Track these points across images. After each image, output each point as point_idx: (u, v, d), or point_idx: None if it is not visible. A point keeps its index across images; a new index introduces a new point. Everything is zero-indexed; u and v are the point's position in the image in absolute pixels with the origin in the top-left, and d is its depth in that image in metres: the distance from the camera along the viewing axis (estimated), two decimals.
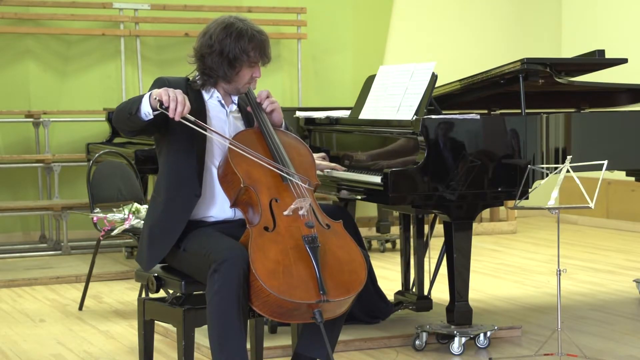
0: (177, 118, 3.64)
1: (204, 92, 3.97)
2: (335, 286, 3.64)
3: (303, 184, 3.84)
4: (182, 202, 3.84)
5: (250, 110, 4.03)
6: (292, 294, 3.55)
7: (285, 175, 3.84)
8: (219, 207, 3.92)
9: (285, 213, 3.75)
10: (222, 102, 3.98)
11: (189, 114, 3.68)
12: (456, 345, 4.76)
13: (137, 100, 3.70)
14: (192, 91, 3.93)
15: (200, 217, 3.90)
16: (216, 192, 3.90)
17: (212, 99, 3.97)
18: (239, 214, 3.93)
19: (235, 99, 4.04)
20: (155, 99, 3.64)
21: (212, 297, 3.60)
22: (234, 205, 3.87)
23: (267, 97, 4.03)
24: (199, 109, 3.89)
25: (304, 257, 3.65)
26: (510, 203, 5.46)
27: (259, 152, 3.85)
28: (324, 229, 3.80)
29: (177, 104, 3.62)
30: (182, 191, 3.83)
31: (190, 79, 3.98)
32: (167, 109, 3.61)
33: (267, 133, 3.95)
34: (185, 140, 3.83)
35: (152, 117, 3.67)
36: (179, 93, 3.65)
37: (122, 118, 3.75)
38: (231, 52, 3.87)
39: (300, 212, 3.76)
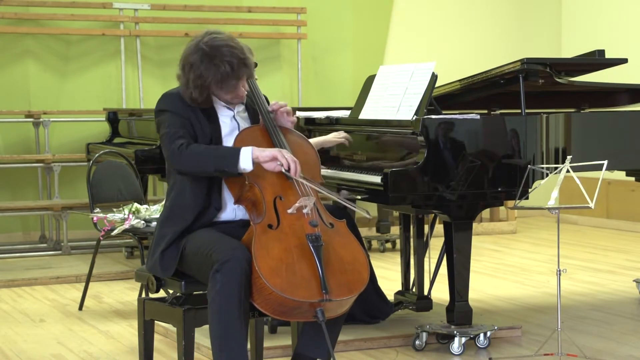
0: (296, 177, 3.76)
1: None
2: (338, 285, 3.64)
3: (308, 184, 3.84)
4: (203, 215, 3.88)
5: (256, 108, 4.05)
6: (294, 293, 3.55)
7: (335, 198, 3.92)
8: (227, 209, 3.93)
9: (289, 211, 3.76)
10: (228, 105, 3.99)
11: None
12: (456, 345, 4.76)
13: (228, 156, 3.73)
14: None
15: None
16: (227, 196, 3.91)
17: (218, 103, 3.97)
18: (239, 215, 3.93)
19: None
20: (268, 161, 3.73)
21: (213, 297, 3.61)
22: (237, 202, 3.88)
23: (282, 105, 4.03)
24: (209, 114, 3.91)
25: (307, 255, 3.65)
26: (510, 203, 5.46)
27: (310, 177, 3.90)
28: (328, 228, 3.81)
29: (296, 164, 3.76)
30: (208, 205, 3.87)
31: None
32: (287, 170, 3.76)
33: (272, 130, 3.95)
34: None
35: (247, 171, 3.74)
36: (288, 153, 3.77)
37: (200, 170, 3.77)
38: (196, 80, 3.83)
39: (305, 211, 3.77)
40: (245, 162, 3.73)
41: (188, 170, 3.81)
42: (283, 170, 3.76)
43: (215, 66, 3.81)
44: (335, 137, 5.09)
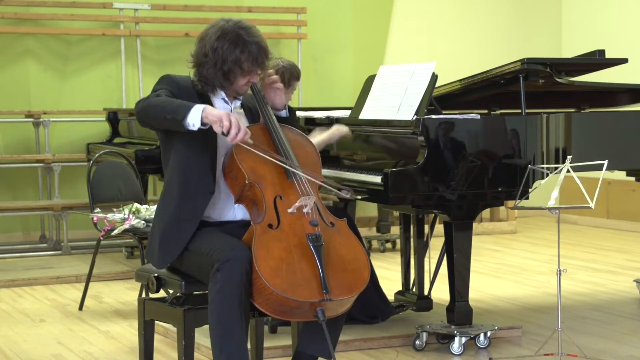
0: (234, 143, 3.68)
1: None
2: (338, 285, 3.64)
3: (310, 178, 3.83)
4: (196, 199, 3.83)
5: (256, 105, 4.04)
6: (294, 292, 3.55)
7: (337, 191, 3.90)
8: (228, 206, 3.92)
9: (289, 210, 3.75)
10: (226, 99, 3.98)
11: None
12: (456, 345, 4.76)
13: (182, 106, 3.67)
14: (198, 90, 3.92)
15: (207, 215, 3.90)
16: (228, 193, 3.90)
17: (216, 97, 3.97)
18: (239, 215, 3.92)
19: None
20: (215, 122, 3.63)
21: (214, 296, 3.60)
22: (238, 201, 3.87)
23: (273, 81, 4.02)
24: (206, 104, 3.89)
25: (307, 255, 3.65)
26: (511, 203, 5.46)
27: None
28: (328, 227, 3.80)
29: (239, 131, 3.65)
30: (196, 188, 3.83)
31: (192, 78, 3.97)
32: (227, 133, 3.65)
33: (272, 129, 3.94)
34: (198, 139, 3.81)
35: (195, 129, 3.67)
36: (238, 119, 3.67)
37: (155, 115, 3.71)
38: (225, 64, 3.84)
39: (305, 210, 3.76)
40: (194, 117, 3.63)
41: (144, 117, 3.74)
42: (221, 133, 3.64)
43: (249, 45, 3.84)
44: (337, 130, 5.03)
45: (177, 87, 3.88)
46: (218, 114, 3.65)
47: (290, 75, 5.22)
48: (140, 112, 3.77)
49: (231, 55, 3.84)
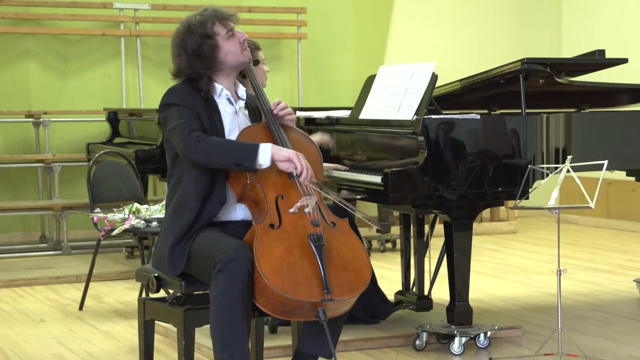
0: (305, 183, 3.77)
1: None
2: (340, 285, 3.64)
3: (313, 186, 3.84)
4: (209, 209, 3.85)
5: (257, 106, 4.04)
6: (296, 293, 3.55)
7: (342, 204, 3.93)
8: (230, 206, 3.92)
9: (291, 210, 3.76)
10: (231, 99, 3.98)
11: None
12: (456, 345, 4.76)
13: (247, 150, 3.74)
14: (202, 94, 3.92)
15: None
16: (231, 193, 3.90)
17: (221, 97, 3.96)
18: (241, 215, 3.92)
19: (243, 94, 4.03)
20: (283, 161, 3.75)
21: (215, 297, 3.60)
22: (239, 200, 3.87)
23: (283, 108, 4.03)
24: (212, 110, 3.90)
25: (308, 255, 3.65)
26: (511, 203, 5.46)
27: (327, 188, 3.91)
28: (330, 227, 3.81)
29: (309, 172, 3.77)
30: (211, 199, 3.85)
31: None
32: (299, 174, 3.77)
33: (274, 128, 3.95)
34: None
35: (264, 167, 3.75)
36: (304, 158, 3.78)
37: (217, 162, 3.75)
38: (210, 38, 3.89)
39: (306, 210, 3.76)
40: (264, 157, 3.72)
41: (205, 162, 3.77)
42: (295, 174, 3.76)
43: (208, 13, 3.93)
44: (320, 138, 5.02)
45: (190, 101, 3.87)
46: (286, 154, 3.76)
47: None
48: (198, 157, 3.76)
49: (208, 30, 3.90)
